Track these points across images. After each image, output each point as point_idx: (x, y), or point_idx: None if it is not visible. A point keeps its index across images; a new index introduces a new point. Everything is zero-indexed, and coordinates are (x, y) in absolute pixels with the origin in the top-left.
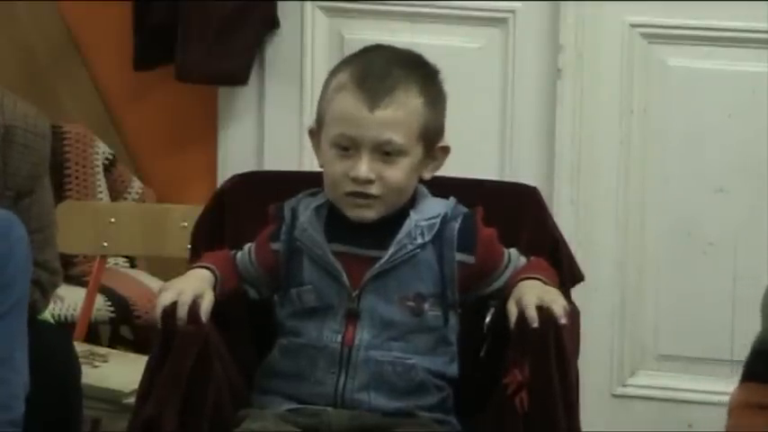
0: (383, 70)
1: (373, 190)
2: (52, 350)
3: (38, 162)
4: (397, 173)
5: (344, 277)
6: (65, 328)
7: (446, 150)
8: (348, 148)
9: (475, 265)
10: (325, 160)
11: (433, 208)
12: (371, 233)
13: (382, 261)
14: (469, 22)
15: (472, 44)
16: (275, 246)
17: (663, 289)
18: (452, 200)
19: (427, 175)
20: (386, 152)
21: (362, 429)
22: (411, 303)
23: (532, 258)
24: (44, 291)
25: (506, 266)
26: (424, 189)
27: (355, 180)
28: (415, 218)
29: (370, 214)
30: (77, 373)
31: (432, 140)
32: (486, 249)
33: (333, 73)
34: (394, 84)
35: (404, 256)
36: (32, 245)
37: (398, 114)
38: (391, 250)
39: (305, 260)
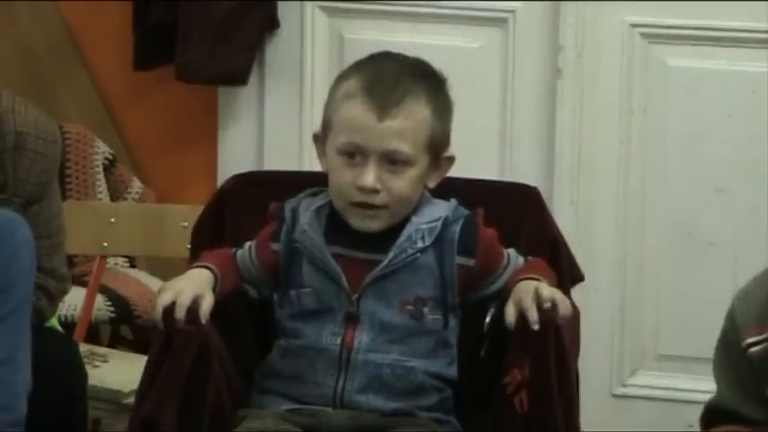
0: (393, 79)
1: (379, 200)
2: (58, 358)
3: (48, 168)
4: (403, 184)
5: (344, 280)
6: (72, 335)
7: (451, 160)
8: (355, 155)
9: (475, 267)
10: (331, 168)
11: (433, 211)
12: (372, 236)
13: (382, 265)
14: (469, 22)
15: (472, 44)
16: (275, 246)
17: (663, 289)
18: (453, 202)
19: (431, 184)
20: (392, 162)
21: (362, 429)
22: (411, 307)
23: (531, 259)
24: (52, 297)
25: (506, 267)
26: (425, 192)
27: (361, 189)
28: (415, 221)
29: (375, 225)
30: (83, 382)
31: (438, 150)
32: (486, 251)
33: (340, 79)
34: (403, 93)
35: (404, 260)
36: (41, 251)
37: (407, 124)
38: (391, 254)
39: (304, 262)
